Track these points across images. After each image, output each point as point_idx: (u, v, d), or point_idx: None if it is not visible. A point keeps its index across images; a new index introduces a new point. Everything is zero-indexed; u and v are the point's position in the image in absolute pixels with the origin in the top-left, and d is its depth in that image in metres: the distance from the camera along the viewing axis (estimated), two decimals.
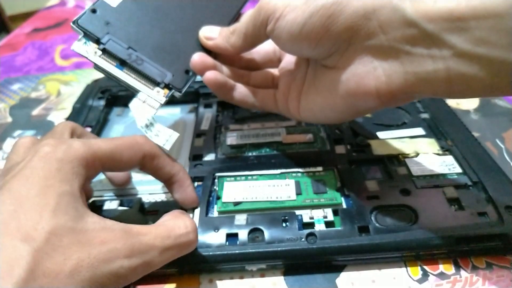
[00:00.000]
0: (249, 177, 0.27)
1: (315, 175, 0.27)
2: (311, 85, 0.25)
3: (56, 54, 0.55)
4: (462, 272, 0.22)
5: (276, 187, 0.26)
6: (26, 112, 0.42)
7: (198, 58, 0.26)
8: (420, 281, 0.22)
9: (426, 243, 0.22)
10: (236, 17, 0.30)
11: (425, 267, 0.23)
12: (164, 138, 0.24)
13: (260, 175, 0.28)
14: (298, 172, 0.27)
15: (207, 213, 0.25)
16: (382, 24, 0.19)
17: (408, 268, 0.23)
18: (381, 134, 0.31)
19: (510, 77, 0.17)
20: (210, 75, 0.26)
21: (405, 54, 0.19)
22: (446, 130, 0.30)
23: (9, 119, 0.41)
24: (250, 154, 0.30)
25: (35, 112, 0.42)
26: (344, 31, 0.20)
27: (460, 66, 0.18)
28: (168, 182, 0.25)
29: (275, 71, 0.29)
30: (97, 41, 0.24)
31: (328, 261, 0.23)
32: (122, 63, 0.25)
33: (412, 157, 0.28)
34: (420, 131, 0.31)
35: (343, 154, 0.29)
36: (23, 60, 0.54)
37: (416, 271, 0.23)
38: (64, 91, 0.45)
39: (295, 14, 0.21)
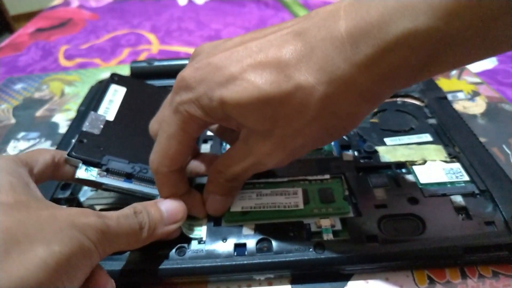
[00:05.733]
0: (256, 185, 0.27)
1: (322, 183, 0.27)
2: None
3: (59, 54, 0.54)
4: (469, 281, 0.22)
5: (284, 196, 0.26)
6: (29, 113, 0.42)
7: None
8: None
9: (433, 253, 0.22)
10: None
11: (432, 275, 0.23)
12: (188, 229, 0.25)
13: (267, 182, 0.27)
14: (306, 180, 0.27)
15: (215, 223, 0.25)
16: None
17: (415, 276, 0.23)
18: (388, 140, 0.31)
19: None
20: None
21: None
22: (453, 136, 0.30)
23: (13, 120, 0.41)
24: None
25: (39, 113, 0.42)
26: None
27: None
28: None
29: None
30: (98, 165, 0.25)
31: (335, 270, 0.23)
32: (129, 176, 0.25)
33: (420, 164, 0.28)
34: (427, 137, 0.31)
35: (351, 161, 0.29)
36: (26, 61, 0.54)
37: (423, 280, 0.23)
38: (67, 91, 0.45)
39: None
